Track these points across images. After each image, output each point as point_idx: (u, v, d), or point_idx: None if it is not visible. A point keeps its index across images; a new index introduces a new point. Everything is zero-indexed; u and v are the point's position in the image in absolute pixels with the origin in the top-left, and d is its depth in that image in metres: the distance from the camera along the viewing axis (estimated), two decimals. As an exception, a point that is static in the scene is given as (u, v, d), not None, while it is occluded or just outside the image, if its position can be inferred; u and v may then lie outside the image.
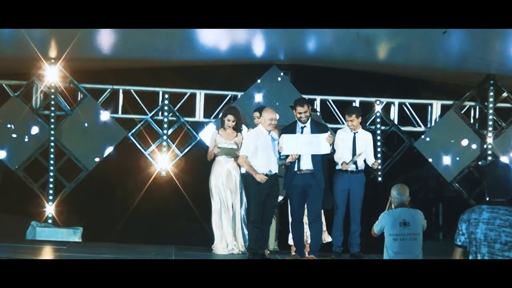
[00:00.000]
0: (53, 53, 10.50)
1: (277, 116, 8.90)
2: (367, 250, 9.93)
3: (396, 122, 11.36)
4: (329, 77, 11.23)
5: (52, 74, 10.71)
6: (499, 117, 11.35)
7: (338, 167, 9.58)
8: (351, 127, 9.49)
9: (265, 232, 9.05)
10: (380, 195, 9.63)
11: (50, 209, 10.80)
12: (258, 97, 10.77)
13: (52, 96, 10.80)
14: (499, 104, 11.33)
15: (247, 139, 8.89)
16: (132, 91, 11.11)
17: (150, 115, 11.07)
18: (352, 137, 9.52)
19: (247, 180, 9.01)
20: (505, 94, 11.28)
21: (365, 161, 9.57)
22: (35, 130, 10.82)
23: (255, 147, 8.78)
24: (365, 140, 9.57)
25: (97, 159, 10.91)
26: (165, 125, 10.92)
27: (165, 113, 11.00)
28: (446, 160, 11.21)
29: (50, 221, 10.78)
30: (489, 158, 11.17)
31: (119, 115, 11.09)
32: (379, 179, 11.04)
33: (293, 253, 9.44)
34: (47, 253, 9.21)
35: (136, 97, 11.13)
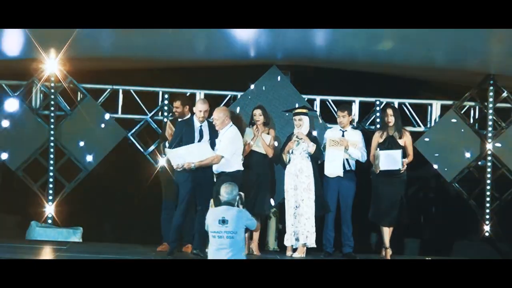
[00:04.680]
0: (53, 53, 10.50)
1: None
2: (360, 250, 9.96)
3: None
4: (329, 77, 11.23)
5: (51, 74, 10.72)
6: (499, 117, 11.34)
7: (334, 175, 9.63)
8: (341, 124, 9.63)
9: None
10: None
11: (50, 209, 10.80)
12: (258, 97, 10.76)
13: (52, 96, 10.81)
14: (499, 104, 11.33)
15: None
16: (132, 91, 11.11)
17: (150, 115, 11.07)
18: (340, 135, 9.61)
19: None
20: (505, 94, 11.27)
21: (357, 161, 9.63)
22: (35, 130, 10.81)
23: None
24: (354, 138, 9.62)
25: (97, 159, 10.90)
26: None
27: (165, 113, 11.00)
28: (446, 160, 11.20)
29: (50, 221, 10.78)
30: (489, 158, 11.17)
31: (119, 115, 11.09)
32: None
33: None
34: (47, 253, 9.21)
35: (136, 97, 11.12)
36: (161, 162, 10.01)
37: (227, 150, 9.03)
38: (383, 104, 11.15)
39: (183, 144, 8.93)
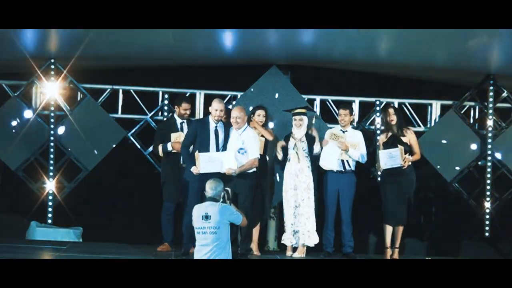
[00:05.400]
0: (53, 53, 10.50)
1: (240, 114, 8.95)
2: (360, 250, 9.96)
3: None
4: (329, 77, 11.23)
5: (51, 74, 10.72)
6: (499, 117, 11.34)
7: (328, 168, 9.65)
8: (342, 123, 9.63)
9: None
10: (380, 195, 9.68)
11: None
12: (258, 97, 10.76)
13: (52, 96, 10.81)
14: (499, 104, 11.33)
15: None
16: (132, 91, 11.10)
17: (150, 115, 11.06)
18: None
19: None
20: (504, 94, 11.27)
21: (357, 162, 9.64)
22: (35, 130, 10.81)
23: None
24: (354, 138, 9.63)
25: (97, 159, 10.90)
26: (165, 125, 10.89)
27: (165, 113, 11.00)
28: (446, 160, 11.20)
29: (50, 221, 10.78)
30: (489, 158, 11.17)
31: (119, 115, 11.09)
32: (379, 179, 11.01)
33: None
34: (47, 253, 9.21)
35: (136, 97, 11.12)
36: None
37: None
38: (383, 104, 11.15)
39: (198, 144, 8.83)
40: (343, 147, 9.49)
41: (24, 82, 10.90)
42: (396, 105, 11.18)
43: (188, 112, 9.79)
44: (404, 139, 9.58)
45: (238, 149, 8.86)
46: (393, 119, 9.65)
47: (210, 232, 7.71)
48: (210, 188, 7.87)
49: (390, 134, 9.66)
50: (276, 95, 10.76)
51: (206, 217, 7.74)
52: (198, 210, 7.84)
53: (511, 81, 11.11)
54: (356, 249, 9.78)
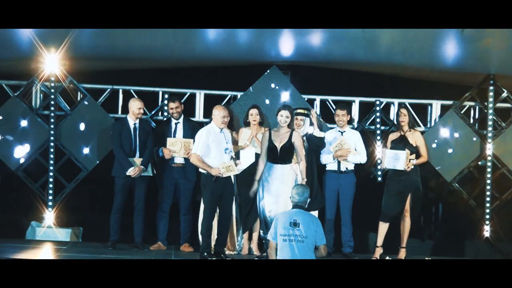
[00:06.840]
0: (53, 53, 10.49)
1: (228, 113, 9.08)
2: (360, 250, 9.96)
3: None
4: (329, 77, 11.23)
5: (51, 74, 10.71)
6: (499, 117, 11.34)
7: (328, 167, 9.70)
8: (340, 123, 9.65)
9: (226, 228, 9.10)
10: (380, 195, 9.68)
11: (49, 216, 10.77)
12: (258, 97, 10.76)
13: (52, 96, 10.81)
14: (498, 104, 11.33)
15: (198, 137, 8.96)
16: (132, 91, 11.10)
17: (150, 115, 11.06)
18: (339, 135, 9.64)
19: (202, 180, 9.01)
20: (504, 94, 11.28)
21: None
22: (35, 130, 10.81)
23: (207, 145, 8.86)
24: (352, 139, 9.65)
25: (97, 159, 10.89)
26: (165, 125, 10.89)
27: (165, 113, 11.00)
28: (446, 160, 11.20)
29: (50, 221, 10.77)
30: (489, 158, 11.18)
31: (119, 115, 11.08)
32: (379, 179, 11.03)
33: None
34: (47, 253, 9.21)
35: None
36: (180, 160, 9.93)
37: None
38: (383, 104, 11.15)
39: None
40: (344, 156, 9.54)
41: (24, 82, 10.90)
42: (396, 105, 11.20)
43: (175, 111, 9.82)
44: (410, 140, 9.56)
45: (224, 149, 8.92)
46: (403, 120, 9.62)
47: (297, 241, 7.63)
48: (298, 194, 7.78)
49: (400, 134, 9.66)
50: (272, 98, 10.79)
51: (295, 224, 7.64)
52: (284, 216, 7.73)
53: (511, 81, 11.11)
54: (356, 249, 9.78)
